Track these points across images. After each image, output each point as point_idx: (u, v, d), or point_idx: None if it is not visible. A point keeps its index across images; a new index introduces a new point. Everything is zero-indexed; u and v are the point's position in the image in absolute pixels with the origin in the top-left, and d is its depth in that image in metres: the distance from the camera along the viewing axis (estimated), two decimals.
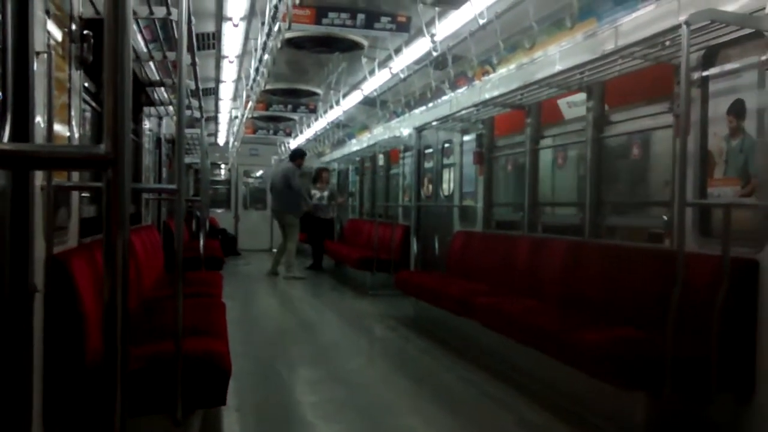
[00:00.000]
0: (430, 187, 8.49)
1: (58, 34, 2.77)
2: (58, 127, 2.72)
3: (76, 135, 3.11)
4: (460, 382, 4.46)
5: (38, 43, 2.38)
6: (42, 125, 2.46)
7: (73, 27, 2.99)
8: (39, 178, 2.45)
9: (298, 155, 10.66)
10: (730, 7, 3.25)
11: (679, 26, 3.06)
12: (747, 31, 3.20)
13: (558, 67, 4.62)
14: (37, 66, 2.35)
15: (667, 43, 3.45)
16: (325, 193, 11.24)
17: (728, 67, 3.47)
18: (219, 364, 2.83)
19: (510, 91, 5.15)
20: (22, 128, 2.23)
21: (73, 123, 3.06)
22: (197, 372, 2.74)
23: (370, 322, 6.73)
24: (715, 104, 3.54)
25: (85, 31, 3.07)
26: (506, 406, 3.91)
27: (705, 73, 3.57)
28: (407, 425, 3.64)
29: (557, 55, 4.97)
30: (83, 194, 3.77)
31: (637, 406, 3.19)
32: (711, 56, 3.54)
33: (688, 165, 3.27)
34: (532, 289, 4.91)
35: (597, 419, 3.50)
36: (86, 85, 3.64)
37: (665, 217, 4.16)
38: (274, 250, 11.38)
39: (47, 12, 2.54)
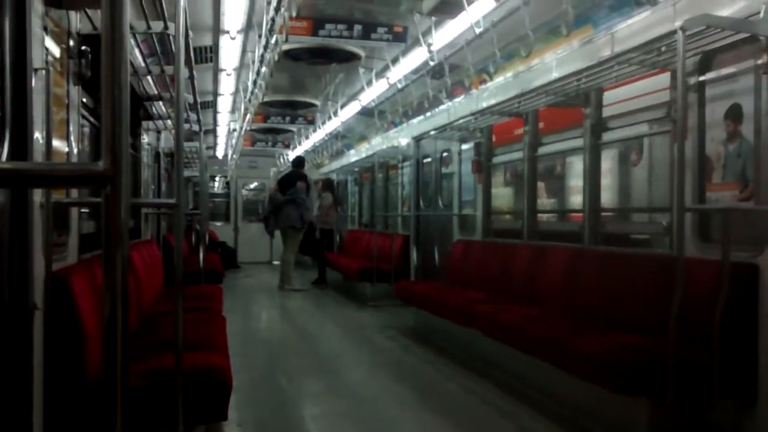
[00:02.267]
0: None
1: (56, 50, 2.77)
2: (57, 143, 2.72)
3: (75, 151, 3.12)
4: (461, 391, 4.44)
5: (36, 59, 2.38)
6: (41, 141, 2.46)
7: (71, 43, 3.00)
8: (38, 195, 2.45)
9: (299, 163, 10.40)
10: (725, 12, 3.26)
11: (674, 32, 3.06)
12: (742, 35, 3.21)
13: (555, 75, 4.63)
14: (36, 82, 2.35)
15: (663, 48, 3.46)
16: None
17: (724, 71, 3.48)
18: (220, 378, 2.82)
19: (507, 99, 5.16)
20: (21, 145, 2.23)
21: (72, 139, 3.06)
22: (198, 387, 2.72)
23: (371, 332, 6.70)
24: (712, 109, 3.55)
25: (82, 47, 3.08)
26: (508, 415, 3.89)
27: (701, 78, 3.58)
28: None
29: (554, 62, 4.98)
30: (82, 210, 3.76)
31: (640, 413, 3.17)
32: (707, 61, 3.55)
33: (687, 170, 3.27)
34: (533, 296, 4.90)
35: (599, 427, 3.48)
36: (84, 100, 3.65)
37: (664, 223, 4.16)
38: (275, 262, 11.25)
39: (45, 28, 2.54)
